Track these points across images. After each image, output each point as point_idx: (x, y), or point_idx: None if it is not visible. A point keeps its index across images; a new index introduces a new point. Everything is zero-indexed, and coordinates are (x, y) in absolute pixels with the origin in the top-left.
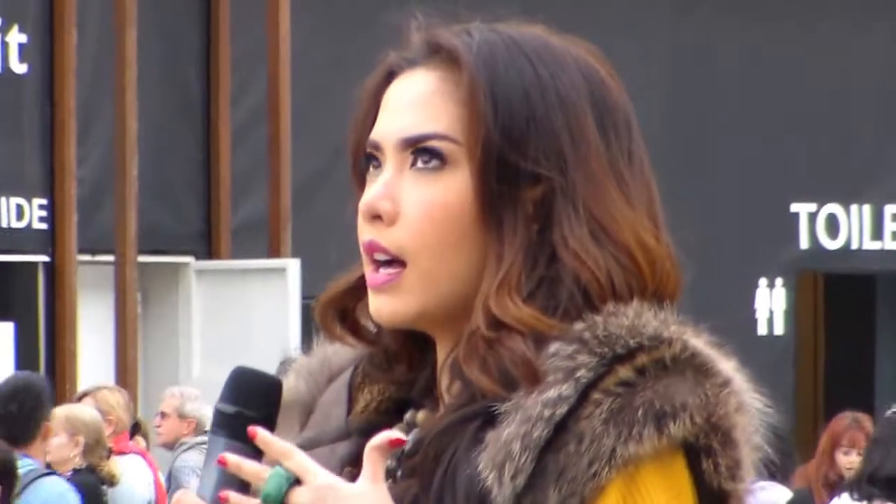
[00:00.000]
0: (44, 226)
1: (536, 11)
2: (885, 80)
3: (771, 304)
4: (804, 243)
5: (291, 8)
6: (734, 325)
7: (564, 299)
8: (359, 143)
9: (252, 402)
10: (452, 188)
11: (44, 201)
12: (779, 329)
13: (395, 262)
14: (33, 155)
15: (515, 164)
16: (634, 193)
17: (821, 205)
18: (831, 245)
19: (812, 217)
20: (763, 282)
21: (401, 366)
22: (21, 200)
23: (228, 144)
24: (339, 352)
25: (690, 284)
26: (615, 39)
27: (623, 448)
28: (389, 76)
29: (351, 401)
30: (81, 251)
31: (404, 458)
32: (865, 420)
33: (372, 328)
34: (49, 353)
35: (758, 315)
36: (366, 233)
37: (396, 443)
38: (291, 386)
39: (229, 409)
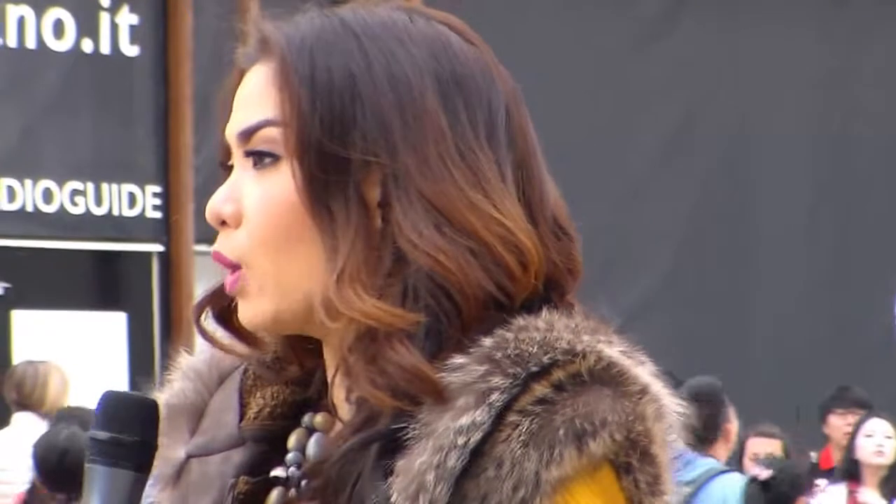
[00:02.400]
0: (158, 214)
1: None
2: None
3: None
4: None
5: None
6: (874, 334)
7: (419, 293)
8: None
9: (127, 426)
10: (285, 181)
11: (158, 189)
12: None
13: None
14: (146, 141)
15: (338, 150)
16: (491, 173)
17: None
18: None
19: None
20: None
21: (292, 366)
22: (133, 188)
23: None
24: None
25: (831, 291)
26: (764, 32)
27: (546, 473)
28: (242, 75)
29: (243, 405)
30: (198, 241)
31: (307, 472)
32: None
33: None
34: (163, 346)
35: None
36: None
37: None
38: (178, 390)
39: (103, 435)
